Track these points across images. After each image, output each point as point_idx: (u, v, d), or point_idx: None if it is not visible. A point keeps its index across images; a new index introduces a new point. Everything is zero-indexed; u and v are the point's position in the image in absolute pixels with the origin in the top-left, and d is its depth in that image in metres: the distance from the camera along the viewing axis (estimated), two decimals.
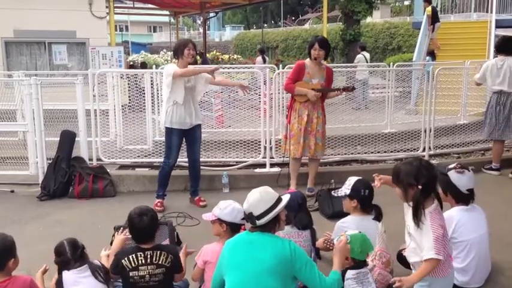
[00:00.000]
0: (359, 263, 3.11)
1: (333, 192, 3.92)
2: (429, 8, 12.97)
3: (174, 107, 5.40)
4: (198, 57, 15.38)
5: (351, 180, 3.80)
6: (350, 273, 3.06)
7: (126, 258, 3.04)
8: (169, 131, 5.52)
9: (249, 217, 2.84)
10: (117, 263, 3.07)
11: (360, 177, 3.86)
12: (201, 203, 5.72)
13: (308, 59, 5.86)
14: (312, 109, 5.82)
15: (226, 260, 2.85)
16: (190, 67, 5.54)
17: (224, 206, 3.43)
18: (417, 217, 2.92)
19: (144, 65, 16.61)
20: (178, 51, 5.40)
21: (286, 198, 2.94)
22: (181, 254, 3.38)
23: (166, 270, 3.09)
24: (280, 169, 6.60)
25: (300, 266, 2.79)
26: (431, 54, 12.51)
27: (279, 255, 2.77)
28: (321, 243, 3.74)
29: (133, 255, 3.05)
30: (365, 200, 3.72)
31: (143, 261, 3.04)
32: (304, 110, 5.82)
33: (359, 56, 13.26)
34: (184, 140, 5.63)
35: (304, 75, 5.79)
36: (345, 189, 3.77)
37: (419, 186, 2.89)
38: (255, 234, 2.84)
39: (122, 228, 3.61)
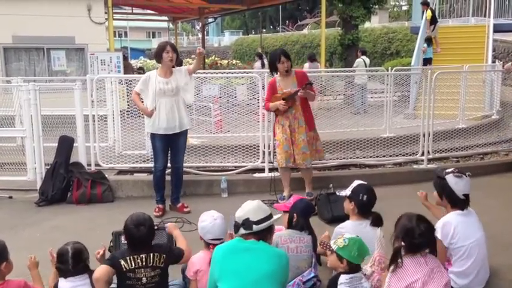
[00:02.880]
0: (354, 268, 3.09)
1: (337, 191, 3.93)
2: (429, 12, 13.03)
3: (155, 113, 5.40)
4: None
5: (355, 183, 3.82)
6: (343, 278, 3.06)
7: (123, 259, 3.03)
8: (152, 136, 5.56)
9: (244, 223, 2.87)
10: (114, 260, 3.05)
11: (364, 183, 3.85)
12: (185, 209, 5.67)
13: (277, 75, 5.94)
14: (292, 119, 5.85)
15: (218, 267, 2.84)
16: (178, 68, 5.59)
17: (201, 219, 3.43)
18: (391, 263, 3.04)
19: (141, 70, 16.63)
20: (157, 56, 5.42)
21: (275, 216, 3.04)
22: (175, 235, 3.52)
23: (161, 271, 3.10)
24: (278, 174, 6.57)
25: (287, 278, 2.92)
26: (429, 40, 12.56)
27: (276, 262, 2.83)
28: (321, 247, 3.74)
29: (131, 257, 3.03)
30: (363, 205, 3.71)
31: (140, 263, 3.04)
32: (285, 121, 5.86)
33: (358, 60, 13.28)
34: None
35: (277, 90, 5.90)
36: (347, 190, 3.81)
37: (403, 243, 3.00)
38: (251, 242, 2.86)
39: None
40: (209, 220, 3.35)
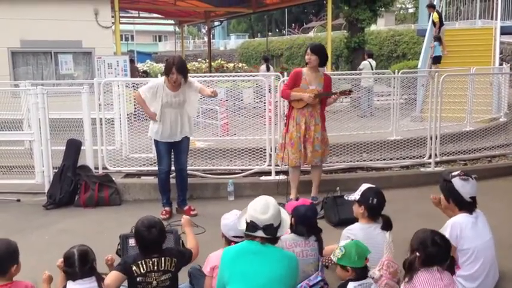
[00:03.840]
0: (360, 272, 3.06)
1: (345, 196, 3.90)
2: (436, 15, 13.01)
3: (158, 123, 5.44)
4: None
5: (364, 186, 3.80)
6: (352, 285, 3.03)
7: (134, 264, 3.03)
8: (155, 141, 5.62)
9: (265, 228, 2.85)
10: (125, 265, 3.06)
11: (373, 186, 3.83)
12: (191, 212, 5.66)
13: (306, 67, 5.89)
14: (309, 116, 5.80)
15: (228, 269, 2.83)
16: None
17: (224, 217, 3.48)
18: (406, 274, 3.05)
19: (144, 74, 16.70)
20: (165, 71, 5.45)
21: (286, 216, 3.08)
22: (186, 231, 3.56)
23: (172, 275, 3.11)
24: (286, 177, 6.56)
25: (296, 281, 2.95)
26: (439, 39, 12.55)
27: (286, 265, 2.83)
28: (328, 251, 3.72)
29: (142, 262, 3.04)
30: (373, 209, 3.68)
31: (151, 267, 3.04)
32: (301, 117, 5.80)
33: (364, 62, 13.25)
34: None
35: (301, 82, 5.80)
36: (356, 194, 3.78)
37: (417, 254, 2.99)
38: (261, 245, 2.86)
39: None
40: (232, 218, 3.39)
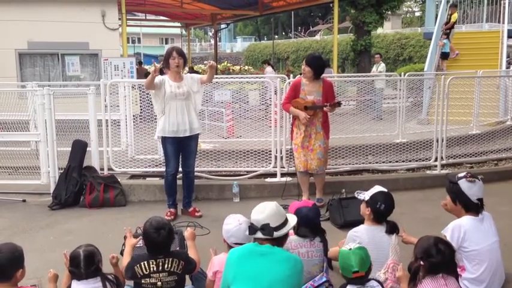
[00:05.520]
0: (350, 279, 2.96)
1: (356, 193, 3.86)
2: (455, 15, 13.00)
3: (164, 117, 5.42)
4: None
5: (376, 189, 3.75)
6: None
7: (138, 266, 3.04)
8: (163, 140, 5.56)
9: (263, 228, 2.86)
10: (130, 267, 3.08)
11: (385, 191, 3.75)
12: (196, 214, 5.68)
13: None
14: (310, 124, 5.80)
15: (233, 270, 2.83)
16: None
17: (226, 221, 3.43)
18: (411, 281, 3.01)
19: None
20: (165, 61, 5.48)
21: (293, 219, 3.05)
22: (189, 244, 3.49)
23: (178, 278, 3.09)
24: (291, 179, 6.56)
25: (301, 283, 2.94)
26: (447, 35, 12.51)
27: (292, 268, 2.83)
28: (333, 252, 3.70)
29: (145, 263, 3.04)
30: (379, 213, 3.65)
31: (155, 268, 3.03)
32: (302, 125, 5.82)
33: (383, 64, 13.41)
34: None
35: (300, 93, 5.81)
36: (367, 194, 3.73)
37: (421, 262, 2.95)
38: (267, 247, 2.86)
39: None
40: (234, 224, 3.34)
